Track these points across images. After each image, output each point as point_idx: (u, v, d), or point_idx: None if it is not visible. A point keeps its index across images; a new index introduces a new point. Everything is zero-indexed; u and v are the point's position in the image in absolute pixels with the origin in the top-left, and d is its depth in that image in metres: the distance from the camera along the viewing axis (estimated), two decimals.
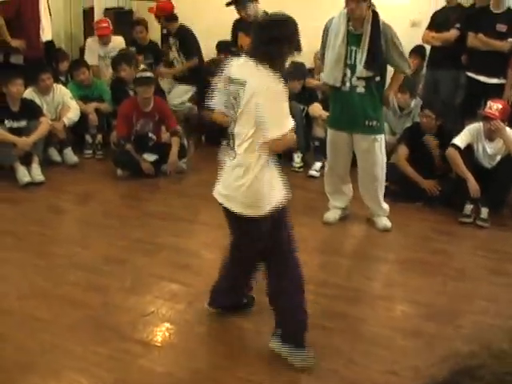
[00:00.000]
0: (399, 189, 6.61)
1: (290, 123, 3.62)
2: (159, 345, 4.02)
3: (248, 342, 4.12)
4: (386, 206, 6.06)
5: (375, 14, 5.45)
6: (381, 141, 5.76)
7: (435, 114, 6.56)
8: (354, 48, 5.48)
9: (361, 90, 5.57)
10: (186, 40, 8.69)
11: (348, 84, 5.57)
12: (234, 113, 3.79)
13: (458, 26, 7.46)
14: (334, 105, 5.87)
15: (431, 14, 7.75)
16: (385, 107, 5.98)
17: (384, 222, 6.01)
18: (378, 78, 5.60)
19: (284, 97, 3.57)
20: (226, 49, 8.22)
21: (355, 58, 5.48)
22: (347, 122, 5.69)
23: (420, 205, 6.51)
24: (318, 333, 4.12)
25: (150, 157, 7.20)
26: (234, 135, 3.83)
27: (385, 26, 5.46)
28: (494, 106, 6.22)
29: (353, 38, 5.49)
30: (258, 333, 4.15)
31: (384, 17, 5.70)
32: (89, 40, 9.12)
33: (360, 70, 5.48)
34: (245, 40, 6.54)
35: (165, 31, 8.98)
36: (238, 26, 6.71)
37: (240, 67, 3.75)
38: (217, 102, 4.01)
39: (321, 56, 5.90)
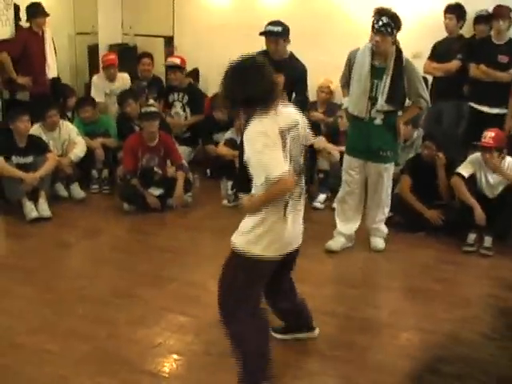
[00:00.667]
0: (403, 219, 6.67)
1: (278, 167, 3.31)
2: (167, 376, 4.05)
3: None
4: (385, 229, 6.25)
5: (399, 50, 5.65)
6: (390, 168, 6.00)
7: (436, 145, 6.63)
8: (376, 81, 5.65)
9: (378, 122, 5.77)
10: (196, 97, 8.78)
11: (368, 116, 5.76)
12: None
13: (459, 56, 7.54)
14: (352, 133, 6.06)
15: (432, 45, 7.83)
16: None
17: (377, 243, 6.22)
18: (398, 113, 5.85)
19: (259, 138, 3.32)
20: None
21: (376, 91, 5.66)
22: (363, 150, 5.90)
23: (423, 235, 6.55)
24: (326, 362, 4.17)
25: (156, 191, 7.26)
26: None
27: (408, 62, 5.65)
28: (488, 135, 6.30)
29: (376, 72, 5.65)
30: None
31: None
32: (95, 77, 9.18)
33: (381, 104, 5.66)
34: None
35: (174, 83, 8.87)
36: None
37: None
38: None
39: (345, 84, 6.06)
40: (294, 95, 6.49)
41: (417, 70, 5.76)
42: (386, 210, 6.19)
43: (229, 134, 7.85)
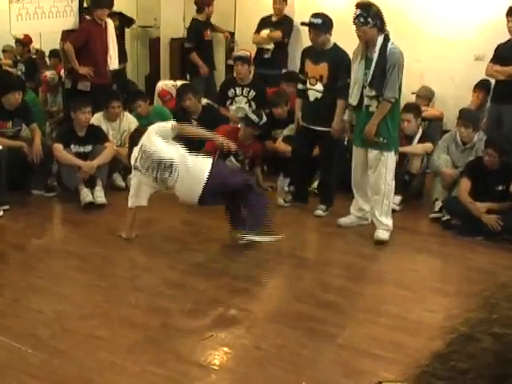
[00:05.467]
0: (461, 222, 6.55)
1: None
2: (217, 368, 4.04)
3: (304, 369, 4.10)
4: (387, 221, 6.26)
5: (386, 39, 5.88)
6: (386, 157, 6.11)
7: (498, 152, 6.49)
8: (367, 71, 5.97)
9: (373, 109, 6.06)
10: (263, 92, 8.55)
11: (364, 104, 6.07)
12: None
13: None
14: (355, 124, 6.38)
15: (495, 48, 7.69)
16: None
17: (380, 234, 6.24)
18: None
19: None
20: (290, 77, 8.24)
21: (367, 80, 5.98)
22: (362, 138, 6.15)
23: (481, 239, 6.42)
24: (376, 362, 4.10)
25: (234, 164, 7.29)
26: None
27: (394, 52, 5.87)
28: None
29: (367, 62, 5.96)
30: (315, 358, 4.14)
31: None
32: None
33: (367, 88, 5.96)
34: (311, 67, 6.59)
35: (239, 76, 8.59)
36: (306, 53, 6.77)
37: None
38: None
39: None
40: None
41: (398, 63, 5.89)
42: (387, 201, 6.22)
43: (288, 131, 7.82)
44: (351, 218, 6.57)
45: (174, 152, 5.68)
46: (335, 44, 6.61)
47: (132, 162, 5.84)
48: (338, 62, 6.49)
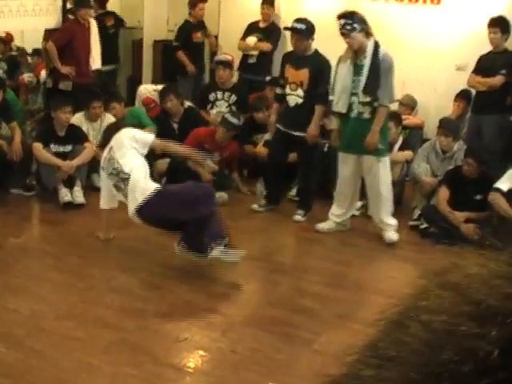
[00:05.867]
0: (439, 230, 6.57)
1: None
2: (191, 371, 4.04)
3: (279, 374, 4.10)
4: (392, 221, 6.38)
5: (376, 45, 5.97)
6: (384, 162, 6.26)
7: (477, 162, 6.52)
8: (358, 77, 6.00)
9: (367, 115, 6.08)
10: (244, 97, 8.51)
11: (356, 111, 6.10)
12: None
13: (503, 72, 7.43)
14: (342, 130, 6.33)
15: (477, 59, 7.74)
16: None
17: (390, 235, 6.35)
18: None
19: None
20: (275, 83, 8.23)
21: (359, 86, 6.00)
22: (356, 145, 6.15)
23: (458, 247, 6.43)
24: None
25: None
26: None
27: (385, 56, 5.98)
28: None
29: (357, 69, 6.01)
30: (290, 363, 4.14)
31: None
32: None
33: (360, 95, 5.99)
34: (291, 73, 6.61)
35: (220, 80, 8.60)
36: (287, 59, 6.79)
37: None
38: None
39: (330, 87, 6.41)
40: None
41: (392, 68, 6.04)
42: (389, 203, 6.35)
43: (269, 135, 7.81)
44: (330, 223, 6.58)
45: (135, 165, 5.49)
46: (316, 50, 6.64)
47: (101, 161, 5.81)
48: (320, 68, 6.54)
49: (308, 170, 6.91)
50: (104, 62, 9.05)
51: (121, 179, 5.49)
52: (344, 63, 6.08)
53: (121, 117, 7.98)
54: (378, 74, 5.93)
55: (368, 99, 6.00)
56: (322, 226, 6.58)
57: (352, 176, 6.39)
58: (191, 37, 9.62)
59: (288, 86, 6.65)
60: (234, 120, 7.39)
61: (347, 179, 6.40)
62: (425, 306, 0.79)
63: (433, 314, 0.77)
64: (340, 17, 5.94)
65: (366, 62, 5.93)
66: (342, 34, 5.93)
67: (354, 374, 0.84)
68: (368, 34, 5.96)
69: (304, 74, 6.54)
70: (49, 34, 8.64)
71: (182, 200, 5.29)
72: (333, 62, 6.43)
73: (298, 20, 6.62)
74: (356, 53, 5.99)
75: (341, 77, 6.09)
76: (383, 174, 6.24)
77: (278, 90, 6.89)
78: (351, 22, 5.86)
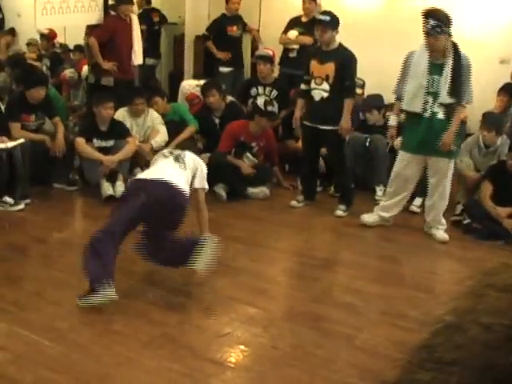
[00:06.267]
0: (482, 226, 6.50)
1: None
2: (232, 366, 4.04)
3: (319, 369, 4.08)
4: (444, 220, 6.43)
5: (455, 45, 5.88)
6: (453, 162, 6.32)
7: None
8: (435, 77, 5.90)
9: (441, 116, 6.00)
10: (285, 91, 8.50)
11: (429, 111, 6.00)
12: None
13: None
14: (411, 130, 6.23)
15: None
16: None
17: (443, 234, 6.40)
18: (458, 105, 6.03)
19: None
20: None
21: (438, 86, 5.89)
22: (428, 146, 6.08)
23: (501, 243, 6.36)
24: (393, 365, 4.07)
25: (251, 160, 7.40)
26: None
27: (464, 56, 5.90)
28: None
29: (434, 68, 5.90)
30: (331, 359, 4.13)
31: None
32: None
33: (444, 96, 5.88)
34: (316, 67, 6.62)
35: (261, 75, 8.61)
36: (312, 54, 6.81)
37: None
38: None
39: (397, 85, 6.29)
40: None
41: (470, 67, 5.95)
42: (446, 203, 6.39)
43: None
44: (374, 216, 6.59)
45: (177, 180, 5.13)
46: (341, 44, 6.67)
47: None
48: (345, 61, 6.56)
49: (340, 165, 6.93)
50: (146, 56, 9.12)
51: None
52: (419, 62, 5.97)
53: (163, 112, 8.03)
54: (461, 74, 5.86)
55: (451, 100, 5.92)
56: (367, 218, 6.58)
57: (413, 177, 6.37)
58: (226, 30, 9.63)
59: (313, 81, 6.67)
60: (265, 106, 7.49)
61: (408, 179, 6.35)
62: (483, 309, 0.78)
63: (493, 316, 0.75)
64: (428, 15, 5.76)
65: (448, 63, 5.84)
66: (428, 34, 5.79)
67: (409, 378, 0.83)
68: (450, 35, 5.85)
69: (330, 68, 6.55)
70: (91, 30, 8.70)
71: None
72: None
73: (324, 12, 6.80)
74: (432, 51, 5.89)
75: (416, 75, 5.98)
76: (450, 174, 6.27)
77: (303, 86, 6.87)
78: (442, 24, 5.72)
